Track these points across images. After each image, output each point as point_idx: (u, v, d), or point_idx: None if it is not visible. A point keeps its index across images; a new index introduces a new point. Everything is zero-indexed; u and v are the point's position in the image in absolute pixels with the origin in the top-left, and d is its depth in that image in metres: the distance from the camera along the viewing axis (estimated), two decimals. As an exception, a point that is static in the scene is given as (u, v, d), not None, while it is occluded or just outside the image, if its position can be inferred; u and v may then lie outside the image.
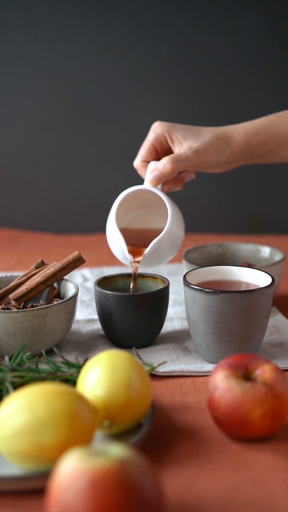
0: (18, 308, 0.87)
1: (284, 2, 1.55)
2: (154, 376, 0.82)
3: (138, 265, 0.91)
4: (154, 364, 0.76)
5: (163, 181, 0.94)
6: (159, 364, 0.76)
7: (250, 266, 1.01)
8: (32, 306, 0.88)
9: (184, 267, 1.02)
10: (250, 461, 0.64)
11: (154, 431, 0.69)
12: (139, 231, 0.98)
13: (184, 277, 0.85)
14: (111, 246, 0.96)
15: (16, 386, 0.70)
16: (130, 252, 0.91)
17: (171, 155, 0.93)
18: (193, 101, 1.60)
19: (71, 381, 0.72)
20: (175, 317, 1.00)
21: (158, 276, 0.94)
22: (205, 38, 1.55)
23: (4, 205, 1.68)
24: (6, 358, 0.72)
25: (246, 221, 1.66)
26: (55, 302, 0.87)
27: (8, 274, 1.03)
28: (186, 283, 0.83)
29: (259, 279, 0.86)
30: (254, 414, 0.65)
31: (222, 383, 0.66)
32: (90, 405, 0.62)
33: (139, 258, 0.91)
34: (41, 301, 0.90)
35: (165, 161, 0.92)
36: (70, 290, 0.90)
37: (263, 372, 0.67)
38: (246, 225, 1.66)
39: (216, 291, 0.80)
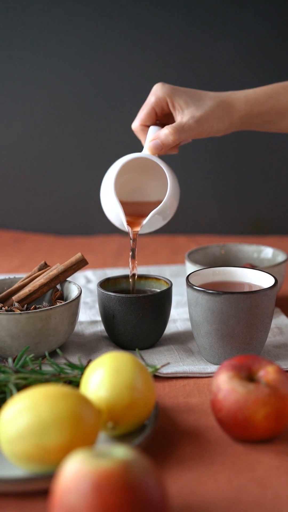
0: (21, 310, 0.87)
1: (286, 6, 1.55)
2: (157, 377, 0.82)
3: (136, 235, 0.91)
4: (157, 365, 0.76)
5: (164, 150, 0.92)
6: (162, 366, 0.76)
7: (253, 267, 1.01)
8: (35, 308, 0.88)
9: (187, 268, 1.02)
10: (253, 462, 0.64)
11: (158, 432, 0.69)
12: (135, 200, 0.97)
13: (187, 278, 0.85)
14: (107, 213, 0.95)
15: (20, 388, 0.70)
16: (127, 222, 0.90)
17: (174, 125, 0.91)
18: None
19: (75, 383, 0.72)
20: (178, 318, 1.00)
21: (161, 278, 0.94)
22: (206, 40, 1.55)
23: (7, 207, 1.68)
24: (10, 360, 0.72)
25: (249, 222, 1.66)
26: (58, 304, 0.87)
27: (11, 276, 1.04)
28: (189, 284, 0.83)
29: (262, 280, 0.86)
30: (257, 415, 0.65)
31: (225, 385, 0.66)
32: (93, 407, 0.62)
33: (137, 229, 0.91)
34: (44, 303, 0.90)
35: (167, 131, 0.91)
36: (73, 292, 0.90)
37: (267, 373, 0.67)
38: (249, 226, 1.66)
39: (219, 292, 0.80)
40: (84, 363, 0.81)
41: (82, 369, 0.73)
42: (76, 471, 0.50)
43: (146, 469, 0.51)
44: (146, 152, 0.93)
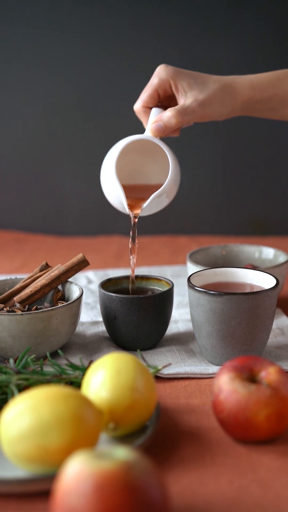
0: (22, 311, 0.87)
1: (287, 5, 1.55)
2: (158, 378, 0.82)
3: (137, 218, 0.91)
4: (158, 366, 0.76)
5: (166, 133, 0.92)
6: (164, 366, 0.76)
7: (254, 267, 1.01)
8: (36, 309, 0.88)
9: (188, 269, 1.02)
10: (255, 463, 0.64)
11: (159, 433, 0.69)
12: (135, 183, 0.97)
13: (188, 279, 0.85)
14: (107, 195, 0.94)
15: (21, 389, 0.70)
16: (128, 205, 0.90)
17: (177, 108, 0.91)
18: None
19: (76, 384, 0.72)
20: (180, 319, 1.00)
21: (162, 278, 0.94)
22: (207, 40, 1.55)
23: (8, 208, 1.68)
24: (11, 361, 0.72)
25: (250, 223, 1.66)
26: (59, 305, 0.87)
27: (13, 276, 1.04)
28: (191, 285, 0.83)
29: (264, 280, 0.86)
30: (259, 416, 0.65)
31: (227, 385, 0.66)
32: (95, 408, 0.62)
33: (138, 211, 0.91)
34: (45, 304, 0.90)
35: (170, 114, 0.91)
36: (74, 293, 0.90)
37: (268, 374, 0.67)
38: (250, 226, 1.66)
39: (221, 293, 0.80)
40: (85, 364, 0.81)
41: (83, 370, 0.73)
42: (77, 472, 0.50)
43: (148, 470, 0.51)
44: (148, 134, 0.92)
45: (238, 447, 0.67)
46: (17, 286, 0.92)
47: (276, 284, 0.83)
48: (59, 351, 0.77)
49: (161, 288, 0.93)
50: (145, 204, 0.89)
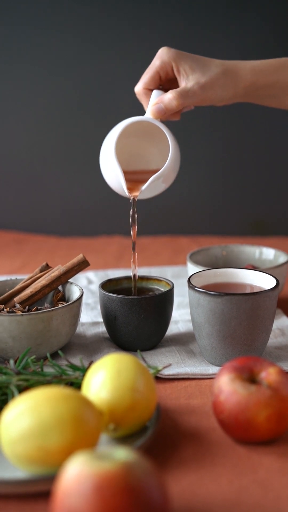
0: (23, 311, 0.87)
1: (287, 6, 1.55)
2: (159, 379, 0.82)
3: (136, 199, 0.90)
4: (159, 367, 0.76)
5: (167, 115, 0.92)
6: (164, 367, 0.76)
7: (254, 268, 1.01)
8: (37, 309, 0.88)
9: (188, 269, 1.02)
10: (255, 464, 0.64)
11: (159, 434, 0.69)
12: (134, 169, 0.96)
13: (189, 279, 0.85)
14: (106, 177, 0.93)
15: (21, 390, 0.70)
16: (127, 188, 0.89)
17: (178, 90, 0.90)
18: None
19: (76, 384, 0.72)
20: (180, 319, 1.00)
21: (162, 279, 0.94)
22: (207, 40, 1.55)
23: (8, 208, 1.68)
24: (11, 362, 0.72)
25: (251, 223, 1.66)
26: (60, 305, 0.87)
27: (13, 277, 1.04)
28: (191, 285, 0.83)
29: (264, 281, 0.86)
30: (259, 417, 0.65)
31: (227, 386, 0.66)
32: (95, 409, 0.62)
33: (137, 193, 0.90)
34: (46, 304, 0.90)
35: (171, 96, 0.90)
36: (74, 293, 0.90)
37: (268, 374, 0.67)
38: (250, 227, 1.66)
39: (221, 293, 0.80)
40: (85, 364, 0.81)
41: (83, 370, 0.73)
42: (77, 473, 0.50)
43: (148, 471, 0.51)
44: (149, 116, 0.92)
45: (238, 448, 0.67)
46: (17, 286, 0.92)
47: (276, 284, 0.83)
48: (59, 352, 0.77)
49: (161, 288, 0.93)
50: (144, 186, 0.88)
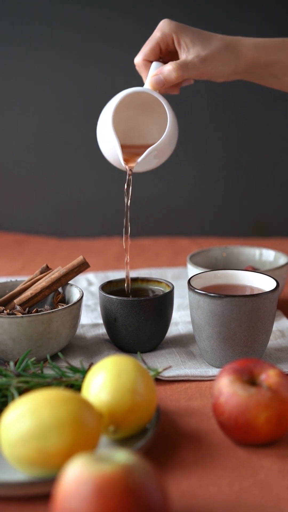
0: (23, 313, 0.87)
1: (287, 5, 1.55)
2: (159, 380, 0.82)
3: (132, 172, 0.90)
4: (159, 368, 0.76)
5: (166, 87, 0.91)
6: (164, 369, 0.76)
7: (254, 270, 1.01)
8: (37, 311, 0.88)
9: (188, 270, 1.02)
10: (255, 466, 0.64)
11: (159, 436, 0.69)
12: (132, 143, 0.95)
13: (189, 281, 0.85)
14: (102, 148, 0.93)
15: (21, 392, 0.70)
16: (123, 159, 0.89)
17: (178, 62, 0.89)
18: (196, 103, 1.60)
19: (76, 386, 0.72)
20: (180, 321, 1.00)
21: (162, 280, 0.94)
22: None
23: (9, 210, 1.68)
24: (11, 364, 0.72)
25: (251, 225, 1.66)
26: (60, 307, 0.87)
27: (13, 278, 1.04)
28: (191, 287, 0.83)
29: (264, 283, 0.86)
30: (259, 419, 0.65)
31: (227, 388, 0.66)
32: (95, 411, 0.62)
33: (133, 165, 0.90)
34: (46, 306, 0.90)
35: (170, 68, 0.89)
36: (75, 295, 0.90)
37: (268, 376, 0.67)
38: (250, 228, 1.66)
39: (221, 295, 0.80)
40: (85, 366, 0.81)
41: (83, 372, 0.73)
42: (77, 475, 0.50)
43: (148, 473, 0.51)
44: (147, 87, 0.91)
45: (238, 450, 0.67)
46: (18, 288, 0.92)
47: (276, 286, 0.83)
48: (59, 354, 0.77)
49: (161, 290, 0.93)
50: (140, 158, 0.88)
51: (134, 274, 1.19)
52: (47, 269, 0.95)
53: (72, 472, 0.51)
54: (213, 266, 1.08)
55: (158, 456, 0.66)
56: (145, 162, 0.90)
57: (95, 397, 0.65)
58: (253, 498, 0.60)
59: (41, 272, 0.94)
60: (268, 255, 1.09)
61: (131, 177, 0.90)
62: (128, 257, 0.93)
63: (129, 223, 0.92)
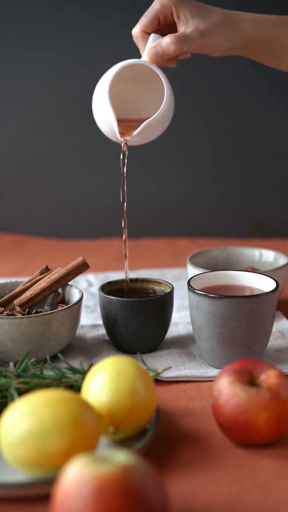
0: (22, 314, 0.87)
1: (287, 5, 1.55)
2: (158, 381, 0.82)
3: (127, 144, 0.89)
4: (158, 369, 0.76)
5: (163, 60, 0.90)
6: (164, 370, 0.76)
7: (254, 270, 1.01)
8: (36, 312, 0.88)
9: (188, 271, 1.02)
10: (255, 467, 0.64)
11: (159, 436, 0.69)
12: (127, 117, 0.95)
13: (188, 282, 0.85)
14: (98, 120, 0.92)
15: (21, 393, 0.70)
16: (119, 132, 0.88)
17: (177, 35, 0.89)
18: (196, 103, 1.60)
19: (76, 387, 0.73)
20: (180, 322, 1.00)
21: (162, 281, 0.94)
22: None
23: (8, 211, 1.68)
24: (11, 364, 0.72)
25: (251, 225, 1.66)
26: (59, 308, 0.87)
27: (13, 279, 1.04)
28: (191, 288, 0.83)
29: (264, 283, 0.86)
30: (259, 419, 0.65)
31: (226, 389, 0.66)
32: (94, 412, 0.62)
33: (128, 138, 0.89)
34: (45, 307, 0.90)
35: (169, 40, 0.88)
36: (74, 296, 0.90)
37: (268, 377, 0.67)
38: (250, 229, 1.66)
39: (221, 296, 0.80)
40: (85, 367, 0.81)
41: (83, 373, 0.73)
42: (77, 476, 0.50)
43: (147, 474, 0.51)
44: (145, 59, 0.90)
45: (238, 451, 0.67)
46: (17, 289, 0.92)
47: (276, 287, 0.83)
48: (59, 355, 0.77)
49: (161, 291, 0.93)
50: (136, 132, 0.87)
51: (134, 274, 1.19)
52: (46, 270, 0.95)
53: (71, 473, 0.51)
54: (213, 266, 1.08)
55: (157, 456, 0.66)
56: (140, 135, 0.89)
57: (95, 398, 0.65)
58: (253, 499, 0.60)
59: (41, 273, 0.94)
60: (268, 255, 1.09)
61: (126, 149, 0.90)
62: (125, 222, 0.92)
63: (126, 203, 0.91)
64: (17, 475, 0.61)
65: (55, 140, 1.64)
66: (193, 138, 1.61)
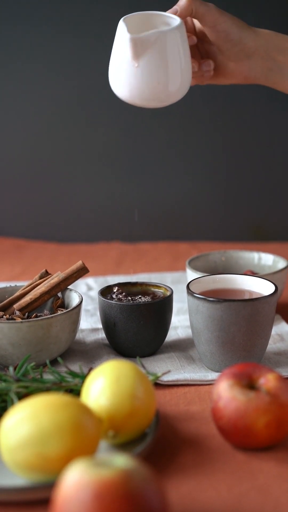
0: (22, 318, 0.87)
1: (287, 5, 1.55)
2: (158, 385, 0.82)
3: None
4: (158, 373, 0.76)
5: (178, 14, 0.88)
6: (163, 373, 0.76)
7: (253, 274, 1.01)
8: (36, 316, 0.88)
9: (188, 275, 1.02)
10: (254, 470, 0.64)
11: (159, 440, 0.69)
12: None
13: (188, 286, 0.85)
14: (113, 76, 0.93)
15: (21, 397, 0.70)
16: None
17: None
18: (196, 102, 1.60)
19: (76, 391, 0.73)
20: (179, 325, 1.00)
21: (162, 285, 0.94)
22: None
23: (8, 215, 1.68)
24: (11, 369, 0.73)
25: (250, 229, 1.66)
26: (59, 312, 0.87)
27: (12, 284, 1.04)
28: (190, 292, 0.83)
29: (263, 287, 0.86)
30: (258, 423, 0.65)
31: (226, 393, 0.66)
32: (94, 416, 0.62)
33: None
34: (45, 311, 0.90)
35: None
36: (74, 300, 0.90)
37: (267, 381, 0.67)
38: (249, 233, 1.66)
39: (220, 299, 0.80)
40: (85, 371, 0.81)
41: (83, 377, 0.73)
42: (76, 480, 0.51)
43: (147, 478, 0.51)
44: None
45: (238, 454, 0.67)
46: (17, 293, 0.92)
47: (275, 290, 0.83)
48: (59, 359, 0.77)
49: (160, 295, 0.93)
50: (145, 34, 0.84)
51: (133, 278, 1.19)
52: (46, 274, 0.95)
53: (71, 477, 0.51)
54: (212, 270, 1.09)
55: (157, 460, 0.66)
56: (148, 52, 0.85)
57: (95, 402, 0.65)
58: (253, 502, 0.60)
59: (41, 277, 0.94)
60: (267, 259, 1.09)
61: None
62: None
63: None
64: (17, 479, 0.61)
65: (55, 144, 1.64)
66: (193, 142, 1.61)
